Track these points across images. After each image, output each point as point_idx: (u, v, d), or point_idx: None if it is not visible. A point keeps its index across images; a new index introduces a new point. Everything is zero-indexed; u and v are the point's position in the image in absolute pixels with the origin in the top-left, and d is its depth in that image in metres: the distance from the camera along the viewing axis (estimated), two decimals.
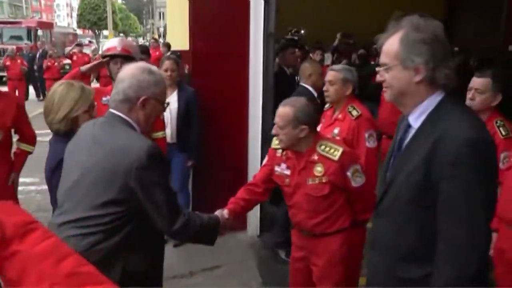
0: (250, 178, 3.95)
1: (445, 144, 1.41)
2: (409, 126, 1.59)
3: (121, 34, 53.20)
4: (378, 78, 1.61)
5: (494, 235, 2.64)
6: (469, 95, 2.88)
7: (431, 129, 1.48)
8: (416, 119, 1.56)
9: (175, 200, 1.88)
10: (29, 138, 3.43)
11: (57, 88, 2.32)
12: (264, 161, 2.83)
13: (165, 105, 1.97)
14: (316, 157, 2.41)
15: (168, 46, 9.44)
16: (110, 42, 3.22)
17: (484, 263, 1.45)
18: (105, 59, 3.16)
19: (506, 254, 2.49)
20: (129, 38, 45.04)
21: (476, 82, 2.86)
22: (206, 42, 4.20)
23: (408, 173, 1.51)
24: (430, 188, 1.45)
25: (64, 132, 2.24)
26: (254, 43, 4.04)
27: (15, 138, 3.42)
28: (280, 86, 5.10)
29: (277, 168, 2.58)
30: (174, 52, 6.60)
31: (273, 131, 2.46)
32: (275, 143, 2.63)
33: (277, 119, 2.41)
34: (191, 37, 4.23)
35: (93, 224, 1.74)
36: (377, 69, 1.63)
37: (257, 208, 4.28)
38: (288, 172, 2.52)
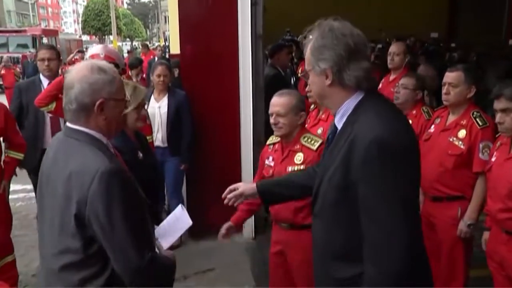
0: (244, 179, 3.95)
1: (357, 145, 1.44)
2: (335, 127, 1.63)
3: (127, 39, 53.55)
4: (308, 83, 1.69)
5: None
6: (443, 90, 2.89)
7: (348, 131, 1.50)
8: (339, 121, 1.60)
9: (143, 232, 1.59)
10: (19, 145, 3.45)
11: None
12: (259, 166, 2.89)
13: (126, 100, 1.75)
14: (298, 147, 2.57)
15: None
16: (93, 50, 3.24)
17: (411, 259, 1.42)
18: None
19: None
20: (135, 43, 45.37)
21: (449, 76, 2.88)
22: (194, 45, 4.21)
23: (330, 175, 1.54)
24: (349, 190, 1.47)
25: None
26: (242, 45, 4.03)
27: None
28: (278, 89, 5.07)
29: (266, 162, 2.73)
30: (172, 56, 6.64)
31: (272, 121, 2.57)
32: (270, 139, 2.78)
33: (277, 108, 2.54)
34: (180, 41, 4.24)
35: (69, 262, 1.57)
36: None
37: None
38: (272, 163, 2.67)
